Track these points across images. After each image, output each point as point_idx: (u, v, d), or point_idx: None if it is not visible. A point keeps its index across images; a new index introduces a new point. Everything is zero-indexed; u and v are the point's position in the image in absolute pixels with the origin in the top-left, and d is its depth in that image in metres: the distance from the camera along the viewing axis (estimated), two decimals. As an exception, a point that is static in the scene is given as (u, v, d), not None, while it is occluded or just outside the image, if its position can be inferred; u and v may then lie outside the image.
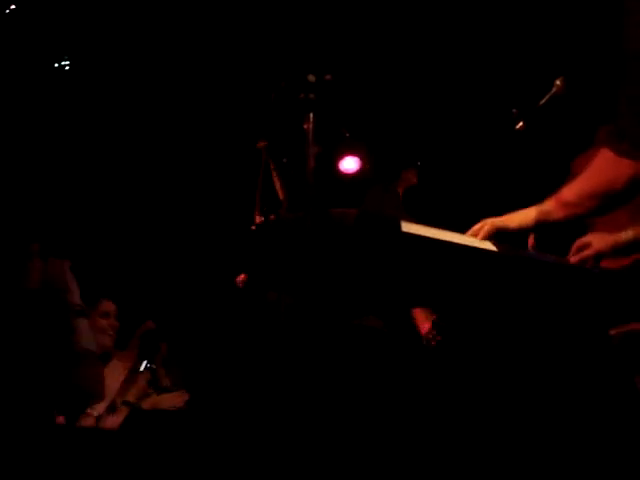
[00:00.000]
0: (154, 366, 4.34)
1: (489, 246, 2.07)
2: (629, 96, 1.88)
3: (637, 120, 1.86)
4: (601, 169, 1.96)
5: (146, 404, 4.04)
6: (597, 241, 2.44)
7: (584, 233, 2.74)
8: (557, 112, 2.64)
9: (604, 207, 2.02)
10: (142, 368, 4.36)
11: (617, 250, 2.53)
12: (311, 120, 2.12)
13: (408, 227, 1.98)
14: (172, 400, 4.17)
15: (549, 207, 2.06)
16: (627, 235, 2.52)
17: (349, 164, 6.85)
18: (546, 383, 2.00)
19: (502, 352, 2.22)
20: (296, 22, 5.11)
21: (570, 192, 2.02)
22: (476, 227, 2.14)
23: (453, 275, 2.09)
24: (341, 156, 6.81)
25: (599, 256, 2.46)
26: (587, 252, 2.39)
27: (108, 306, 4.19)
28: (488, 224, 2.11)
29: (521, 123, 2.71)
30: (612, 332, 1.92)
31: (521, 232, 2.13)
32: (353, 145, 6.75)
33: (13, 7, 4.71)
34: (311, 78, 2.18)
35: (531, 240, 2.15)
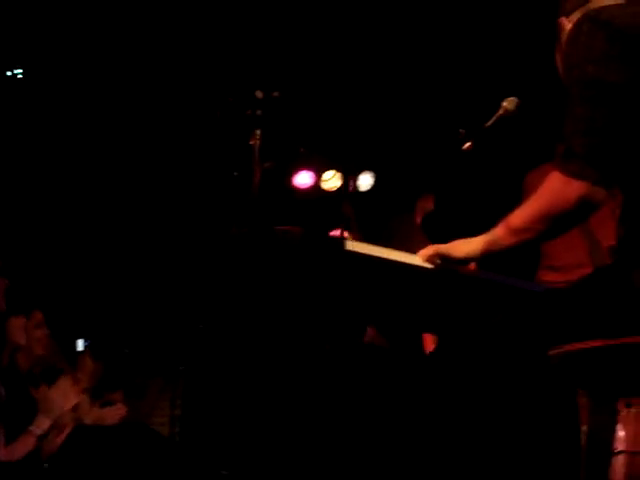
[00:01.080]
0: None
1: (433, 267, 2.08)
2: (574, 115, 1.90)
3: (584, 140, 1.87)
4: (550, 191, 1.94)
5: (89, 419, 3.99)
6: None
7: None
8: (505, 132, 2.67)
9: (554, 231, 1.99)
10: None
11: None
12: (258, 136, 2.11)
13: (353, 245, 1.99)
14: (114, 413, 4.13)
15: (497, 235, 2.02)
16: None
17: (303, 179, 6.88)
18: (485, 403, 2.00)
19: (443, 370, 2.23)
20: (244, 38, 5.12)
21: (518, 217, 1.99)
22: (422, 252, 2.13)
23: (396, 293, 2.10)
24: (295, 171, 6.83)
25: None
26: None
27: (39, 316, 4.14)
28: (432, 250, 2.11)
29: (469, 143, 2.73)
30: (551, 352, 1.92)
31: (468, 261, 2.10)
32: (308, 160, 6.78)
33: None
34: (259, 94, 2.17)
35: (472, 266, 2.13)
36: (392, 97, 5.99)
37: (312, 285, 2.05)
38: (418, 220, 5.19)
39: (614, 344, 1.87)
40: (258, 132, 2.15)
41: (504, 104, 2.65)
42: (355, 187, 5.29)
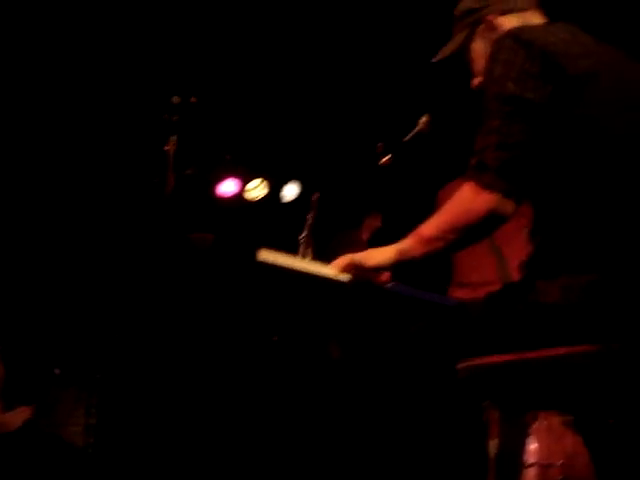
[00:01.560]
0: None
1: (344, 277, 2.09)
2: (490, 129, 1.93)
3: (497, 154, 1.90)
4: (460, 202, 1.96)
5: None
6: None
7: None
8: (422, 148, 2.71)
9: (464, 241, 2.01)
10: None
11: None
12: (173, 142, 2.07)
13: (266, 255, 1.98)
14: (17, 417, 4.03)
15: (408, 245, 2.04)
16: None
17: (228, 187, 6.84)
18: (394, 416, 2.01)
19: (352, 380, 2.24)
20: (162, 42, 5.07)
21: (429, 227, 2.01)
22: (336, 262, 2.13)
23: (308, 303, 2.09)
24: (220, 179, 6.78)
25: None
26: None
27: None
28: (346, 260, 2.11)
29: (387, 157, 2.76)
30: (459, 366, 1.94)
31: (380, 270, 2.10)
32: (233, 168, 6.74)
33: None
34: (175, 100, 2.14)
35: (386, 276, 2.14)
36: (316, 110, 6.02)
37: (223, 292, 2.04)
38: (365, 237, 5.21)
39: (520, 358, 1.90)
40: (174, 138, 2.11)
41: (422, 120, 2.69)
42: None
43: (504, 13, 2.22)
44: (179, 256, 1.85)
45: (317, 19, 5.34)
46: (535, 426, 3.43)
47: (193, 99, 2.17)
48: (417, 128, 2.71)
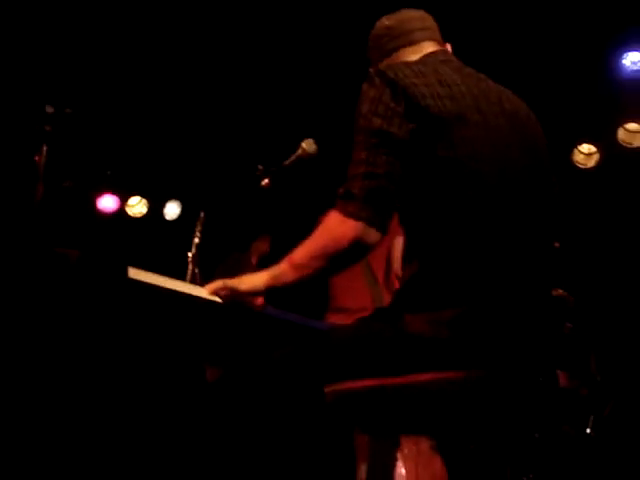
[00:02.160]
0: None
1: (217, 298, 2.07)
2: (358, 160, 1.97)
3: (363, 183, 1.94)
4: (327, 230, 2.00)
5: None
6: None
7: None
8: (302, 171, 2.73)
9: (331, 268, 2.04)
10: None
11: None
12: (44, 153, 2.00)
13: (136, 274, 1.94)
14: None
15: (280, 270, 2.05)
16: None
17: (107, 203, 6.70)
18: (263, 439, 1.99)
19: (224, 403, 2.20)
20: (37, 52, 4.93)
21: (299, 253, 2.03)
22: (210, 285, 2.11)
23: (179, 323, 2.06)
24: (100, 194, 6.64)
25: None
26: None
27: None
28: (219, 283, 2.10)
29: (266, 180, 2.77)
30: (326, 390, 1.95)
31: (253, 294, 2.10)
32: (114, 184, 6.61)
33: None
34: (49, 109, 2.07)
35: (260, 301, 2.13)
36: (198, 130, 6.00)
37: (92, 310, 1.97)
38: (254, 261, 5.18)
39: (386, 383, 1.93)
40: (45, 148, 2.04)
41: (303, 145, 2.72)
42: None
43: (390, 54, 2.28)
44: (42, 271, 1.78)
45: (200, 38, 5.33)
46: (404, 451, 3.49)
47: (68, 110, 2.11)
48: (298, 152, 2.73)
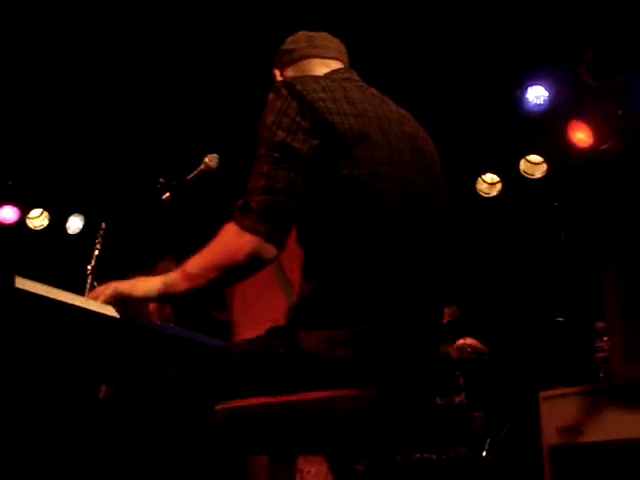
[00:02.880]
0: None
1: (109, 311, 2.01)
2: (258, 173, 1.95)
3: (262, 197, 1.92)
4: (223, 242, 1.97)
5: None
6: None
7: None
8: (204, 186, 2.70)
9: (225, 280, 2.02)
10: None
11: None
12: None
13: (23, 283, 1.87)
14: None
15: (173, 279, 2.02)
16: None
17: (7, 214, 6.52)
18: (154, 459, 1.93)
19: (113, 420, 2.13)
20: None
21: (193, 263, 2.00)
22: (100, 288, 2.07)
23: (67, 336, 1.99)
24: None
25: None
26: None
27: None
28: (111, 288, 2.05)
29: (167, 194, 2.74)
30: (217, 408, 1.91)
31: (146, 300, 2.07)
32: (14, 195, 6.44)
33: None
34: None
35: (152, 307, 2.11)
36: (101, 142, 5.91)
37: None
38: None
39: (279, 401, 1.91)
40: None
41: (206, 159, 2.70)
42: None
43: (286, 66, 2.31)
44: None
45: (101, 45, 5.25)
46: (312, 471, 3.48)
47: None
48: (201, 167, 2.71)
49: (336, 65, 2.28)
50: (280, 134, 1.95)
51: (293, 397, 1.90)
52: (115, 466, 1.97)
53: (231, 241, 1.95)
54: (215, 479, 2.04)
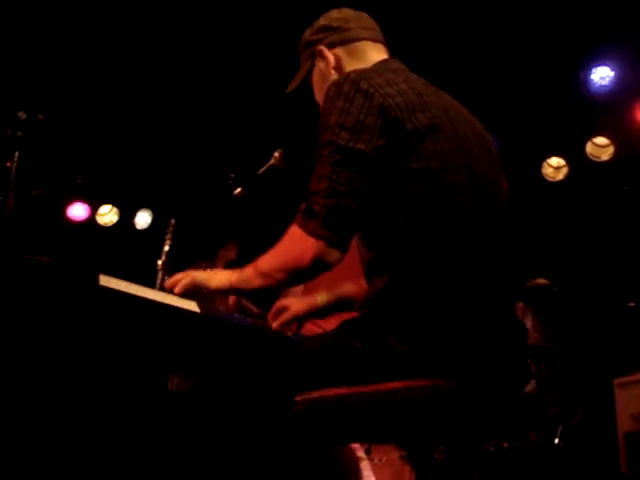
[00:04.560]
0: None
1: (190, 305, 2.07)
2: (320, 175, 1.94)
3: (324, 201, 1.91)
4: (289, 246, 1.99)
5: None
6: (293, 304, 2.55)
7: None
8: (274, 181, 2.73)
9: (292, 281, 2.06)
10: None
11: (314, 312, 2.66)
12: (16, 159, 1.99)
13: (107, 281, 1.93)
14: None
15: (246, 274, 2.05)
16: (322, 299, 2.67)
17: (78, 211, 6.65)
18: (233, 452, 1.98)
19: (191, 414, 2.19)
20: (9, 56, 4.89)
21: (264, 262, 2.03)
22: (178, 276, 2.10)
23: (150, 330, 2.05)
24: (70, 202, 6.59)
25: (297, 318, 2.56)
26: (285, 315, 2.49)
27: None
28: (189, 277, 2.09)
29: (239, 189, 2.77)
30: (297, 399, 1.94)
31: (218, 292, 2.11)
32: (84, 192, 6.57)
33: None
34: (21, 115, 2.05)
35: (231, 300, 2.15)
36: (170, 138, 5.99)
37: (62, 316, 1.96)
38: (220, 267, 5.13)
39: (357, 392, 1.93)
40: (17, 154, 2.03)
41: (275, 154, 2.73)
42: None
43: (335, 45, 2.23)
44: (14, 278, 1.77)
45: (173, 46, 5.33)
46: (375, 460, 3.49)
47: (40, 116, 2.10)
48: (270, 161, 2.74)
49: (384, 51, 2.23)
50: (344, 135, 1.92)
51: (371, 387, 1.92)
52: (195, 457, 2.02)
53: (296, 245, 1.96)
54: (297, 470, 2.07)
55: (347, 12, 2.26)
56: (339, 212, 1.91)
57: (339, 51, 2.23)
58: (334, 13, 2.27)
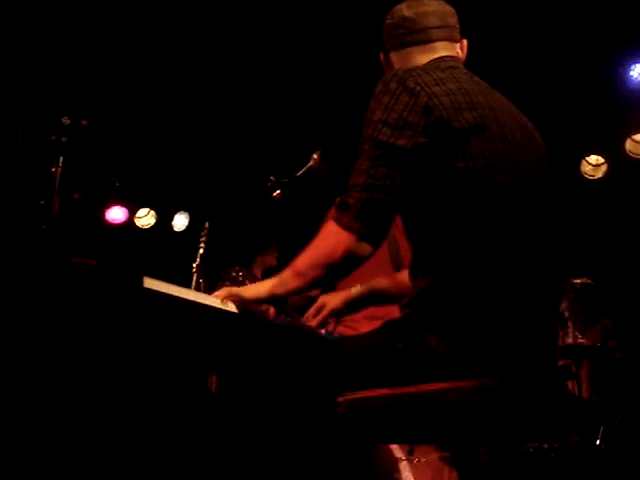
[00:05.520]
0: None
1: (230, 307, 2.08)
2: (359, 169, 1.94)
3: (360, 195, 1.91)
4: (322, 240, 1.99)
5: None
6: (330, 300, 2.54)
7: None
8: (313, 183, 2.74)
9: (327, 278, 2.03)
10: None
11: (350, 305, 2.65)
12: (60, 164, 2.03)
13: (151, 283, 1.95)
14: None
15: (283, 277, 2.06)
16: (356, 290, 2.66)
17: (116, 214, 6.73)
18: (271, 451, 1.98)
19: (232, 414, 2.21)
20: (54, 62, 4.97)
21: (300, 260, 2.03)
22: (216, 294, 2.13)
23: (193, 332, 2.07)
24: (108, 205, 6.67)
25: (336, 312, 2.55)
26: (323, 312, 2.48)
27: None
28: (225, 292, 2.12)
29: (278, 191, 2.79)
30: (339, 400, 1.94)
31: (256, 301, 2.11)
32: (122, 195, 6.64)
33: None
34: (65, 121, 2.09)
35: (271, 312, 2.14)
36: (207, 141, 6.03)
37: (108, 318, 1.99)
38: (258, 274, 5.15)
39: (399, 393, 1.93)
40: (61, 159, 2.07)
41: (314, 156, 2.74)
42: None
43: (401, 48, 2.22)
44: (61, 281, 1.80)
45: (210, 50, 5.36)
46: (414, 461, 3.48)
47: (84, 122, 2.13)
48: (309, 164, 2.75)
49: (442, 49, 2.19)
50: (385, 131, 1.93)
51: (413, 388, 1.92)
52: (235, 458, 2.03)
53: (329, 238, 1.97)
54: (337, 470, 2.08)
55: (404, 13, 2.21)
56: (373, 206, 1.92)
57: (393, 55, 2.23)
58: (396, 11, 2.23)
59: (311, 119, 5.40)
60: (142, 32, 5.16)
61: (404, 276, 2.32)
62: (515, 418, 2.00)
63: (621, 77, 5.56)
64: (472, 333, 1.90)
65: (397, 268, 3.15)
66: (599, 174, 5.94)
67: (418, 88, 1.96)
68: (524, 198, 1.99)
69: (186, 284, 3.09)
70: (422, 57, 2.19)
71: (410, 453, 2.98)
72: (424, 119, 1.93)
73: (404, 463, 3.37)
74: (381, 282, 2.79)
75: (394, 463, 3.21)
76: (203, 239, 3.23)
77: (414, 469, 3.47)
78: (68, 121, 2.13)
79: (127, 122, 5.79)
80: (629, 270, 5.65)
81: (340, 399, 1.93)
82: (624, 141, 5.78)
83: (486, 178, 1.94)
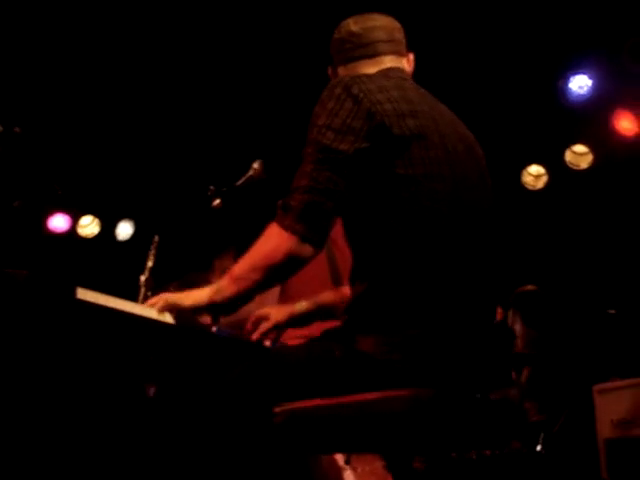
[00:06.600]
0: None
1: (166, 318, 2.06)
2: (302, 172, 1.95)
3: (302, 197, 1.93)
4: (264, 242, 2.00)
5: None
6: (274, 313, 2.54)
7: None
8: (253, 192, 2.74)
9: (267, 281, 2.03)
10: None
11: (294, 320, 2.65)
12: (-8, 172, 1.98)
13: (84, 294, 1.92)
14: None
15: (221, 284, 2.05)
16: (301, 306, 2.67)
17: (58, 222, 6.61)
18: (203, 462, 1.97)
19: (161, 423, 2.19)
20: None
21: (238, 266, 2.03)
22: (152, 301, 2.12)
23: (126, 343, 2.05)
24: (50, 213, 6.55)
25: (278, 326, 2.55)
26: (266, 324, 2.47)
27: None
28: (162, 300, 2.10)
29: (218, 200, 2.77)
30: (277, 410, 1.94)
31: (197, 310, 2.09)
32: (65, 203, 6.54)
33: None
34: (-3, 128, 2.05)
35: (207, 320, 2.13)
36: (149, 150, 5.99)
37: (39, 330, 1.95)
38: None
39: (336, 403, 1.93)
40: (-8, 168, 2.02)
41: (255, 165, 2.73)
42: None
43: (349, 62, 2.25)
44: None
45: (152, 54, 5.33)
46: (358, 470, 3.49)
47: (16, 129, 2.09)
48: (249, 173, 2.74)
49: (389, 62, 2.23)
50: (329, 135, 1.95)
51: (350, 398, 1.92)
52: (171, 466, 2.01)
53: (271, 240, 1.98)
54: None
55: (351, 28, 2.25)
56: (314, 209, 1.94)
57: (341, 70, 2.26)
58: (343, 27, 2.27)
59: (252, 129, 5.41)
60: (75, 36, 5.09)
61: (348, 290, 2.33)
62: (451, 426, 2.02)
63: (561, 89, 5.66)
64: (407, 341, 1.91)
65: (337, 284, 3.16)
66: (540, 185, 6.05)
67: (362, 95, 1.98)
68: (462, 207, 2.02)
69: (133, 296, 3.05)
70: (369, 70, 2.22)
71: (347, 462, 2.98)
72: (367, 124, 1.96)
73: (348, 472, 3.37)
74: (327, 297, 2.80)
75: (337, 472, 3.21)
76: (152, 252, 3.19)
77: (358, 478, 3.47)
78: (0, 129, 2.09)
79: (70, 128, 5.71)
80: (568, 279, 5.76)
81: (277, 409, 1.93)
82: (564, 152, 5.90)
83: (425, 185, 1.97)
